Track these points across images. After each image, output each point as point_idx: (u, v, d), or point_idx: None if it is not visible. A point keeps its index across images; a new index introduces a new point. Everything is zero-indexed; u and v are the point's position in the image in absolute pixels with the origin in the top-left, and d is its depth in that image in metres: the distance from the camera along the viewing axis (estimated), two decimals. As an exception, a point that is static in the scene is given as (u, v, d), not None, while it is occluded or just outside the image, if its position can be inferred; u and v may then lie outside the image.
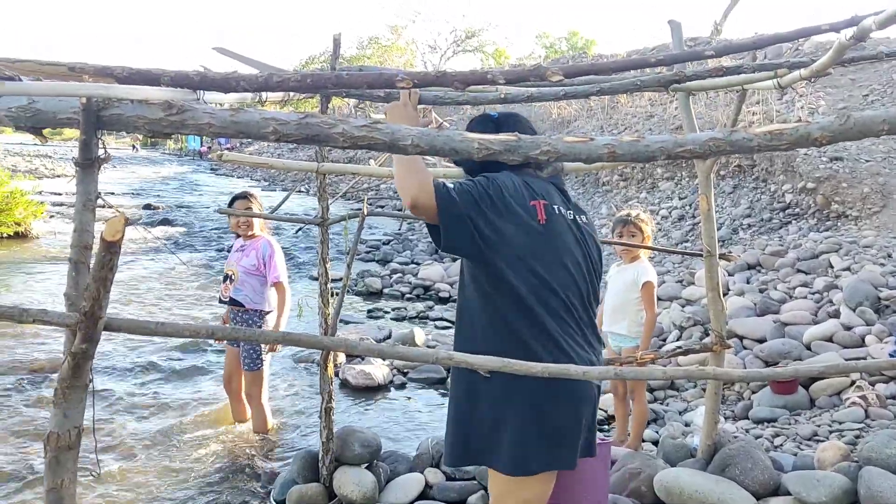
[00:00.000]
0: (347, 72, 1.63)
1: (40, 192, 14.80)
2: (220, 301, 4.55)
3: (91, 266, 1.22)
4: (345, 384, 5.61)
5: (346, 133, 1.32)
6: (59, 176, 26.04)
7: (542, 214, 2.10)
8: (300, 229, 13.23)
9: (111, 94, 1.25)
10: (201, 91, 1.58)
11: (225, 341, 4.71)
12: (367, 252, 11.49)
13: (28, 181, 15.19)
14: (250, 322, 4.42)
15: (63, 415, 1.21)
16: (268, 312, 4.45)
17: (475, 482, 3.78)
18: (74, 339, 1.20)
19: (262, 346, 4.41)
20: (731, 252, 3.63)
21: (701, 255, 3.54)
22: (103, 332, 1.25)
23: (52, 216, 14.10)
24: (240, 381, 4.59)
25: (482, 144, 1.37)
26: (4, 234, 11.46)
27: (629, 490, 3.38)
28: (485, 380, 2.11)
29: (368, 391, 5.58)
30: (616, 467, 3.56)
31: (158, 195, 21.09)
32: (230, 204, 4.50)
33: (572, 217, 2.23)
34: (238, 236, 4.65)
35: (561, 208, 2.19)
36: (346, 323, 7.14)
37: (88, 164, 1.28)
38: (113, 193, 21.23)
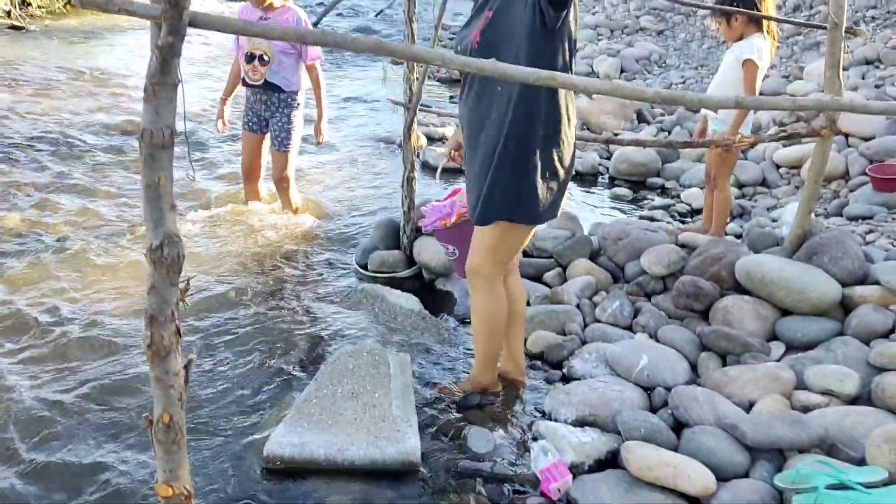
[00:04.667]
0: None
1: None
2: (247, 84, 4.07)
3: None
4: (426, 166, 5.62)
5: None
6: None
7: None
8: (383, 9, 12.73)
9: None
10: None
11: (243, 128, 4.26)
12: (451, 38, 11.05)
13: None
14: (288, 104, 4.10)
15: (155, 112, 1.19)
16: (297, 92, 4.11)
17: (552, 260, 3.84)
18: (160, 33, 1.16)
19: (295, 127, 4.14)
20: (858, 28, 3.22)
21: (823, 29, 3.19)
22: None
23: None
24: (260, 164, 4.35)
25: None
26: None
27: (709, 274, 3.33)
28: (505, 146, 2.38)
29: (448, 173, 5.58)
30: (697, 252, 3.50)
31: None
32: None
33: None
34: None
35: None
36: (428, 107, 7.01)
37: None
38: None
